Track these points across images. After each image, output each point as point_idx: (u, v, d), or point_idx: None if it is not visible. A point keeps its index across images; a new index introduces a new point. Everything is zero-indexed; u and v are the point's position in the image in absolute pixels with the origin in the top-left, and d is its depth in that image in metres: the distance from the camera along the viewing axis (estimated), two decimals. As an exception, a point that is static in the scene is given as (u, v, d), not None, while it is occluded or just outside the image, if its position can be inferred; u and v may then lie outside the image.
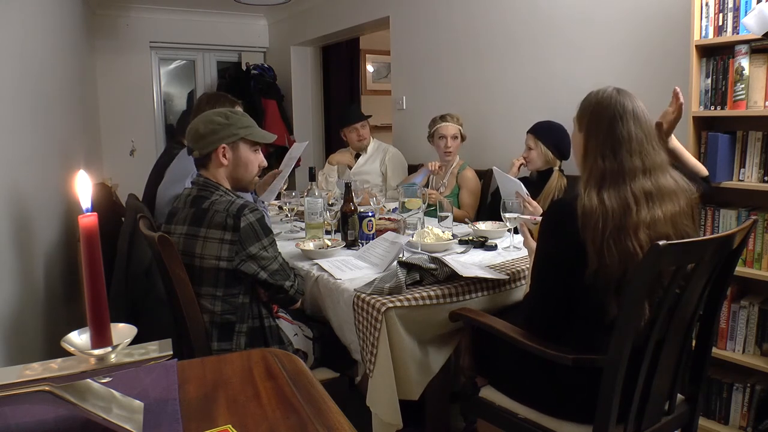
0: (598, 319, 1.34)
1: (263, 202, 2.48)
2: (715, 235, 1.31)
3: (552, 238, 1.42)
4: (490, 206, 2.91)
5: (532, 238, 1.74)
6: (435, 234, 2.19)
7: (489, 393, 1.62)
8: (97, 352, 0.71)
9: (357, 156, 3.64)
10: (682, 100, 1.68)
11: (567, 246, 1.35)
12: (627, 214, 1.30)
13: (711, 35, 2.02)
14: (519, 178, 2.54)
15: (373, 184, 3.51)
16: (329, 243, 2.17)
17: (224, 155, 1.76)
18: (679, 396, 1.52)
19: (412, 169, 3.69)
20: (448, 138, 3.05)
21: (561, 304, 1.41)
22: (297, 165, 4.02)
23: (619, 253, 1.28)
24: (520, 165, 2.78)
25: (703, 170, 1.73)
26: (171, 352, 0.76)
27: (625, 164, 1.33)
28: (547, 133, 2.67)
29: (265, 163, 1.90)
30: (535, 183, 2.67)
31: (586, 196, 1.33)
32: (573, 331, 1.41)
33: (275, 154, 4.81)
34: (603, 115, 1.37)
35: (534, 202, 2.23)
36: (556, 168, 2.66)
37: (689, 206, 1.38)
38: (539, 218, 1.80)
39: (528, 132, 2.72)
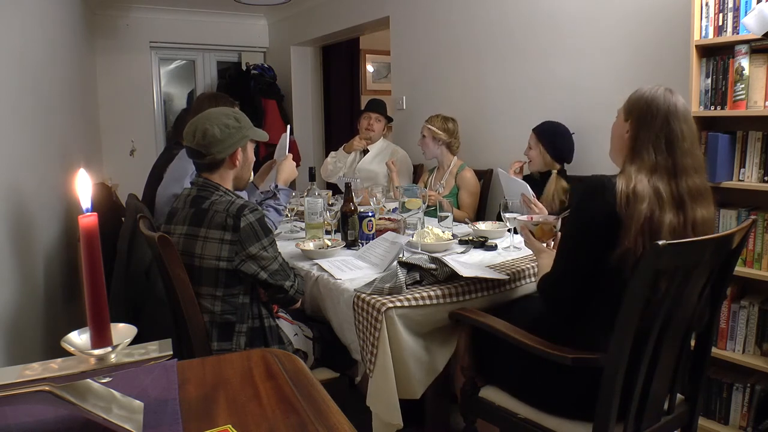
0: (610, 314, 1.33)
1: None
2: (714, 235, 1.31)
3: (585, 212, 1.40)
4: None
5: (534, 238, 1.74)
6: (435, 234, 2.19)
7: (489, 393, 1.62)
8: (97, 352, 0.71)
9: (365, 152, 3.66)
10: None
11: (601, 220, 1.34)
12: (683, 209, 1.33)
13: (711, 35, 2.02)
14: (523, 178, 2.52)
15: (377, 183, 3.51)
16: (329, 243, 2.17)
17: (238, 157, 1.78)
18: (679, 396, 1.52)
19: (417, 169, 3.70)
20: (422, 136, 3.23)
21: (584, 282, 1.40)
22: (298, 165, 4.02)
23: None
24: (521, 167, 2.78)
25: None
26: (171, 352, 0.76)
27: (678, 161, 1.34)
28: (548, 135, 2.66)
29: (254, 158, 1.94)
30: (538, 183, 2.65)
31: (636, 180, 1.33)
32: (579, 331, 1.41)
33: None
34: (658, 110, 1.37)
35: (540, 204, 2.22)
36: (555, 172, 2.65)
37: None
38: (538, 219, 1.80)
39: (533, 130, 2.71)
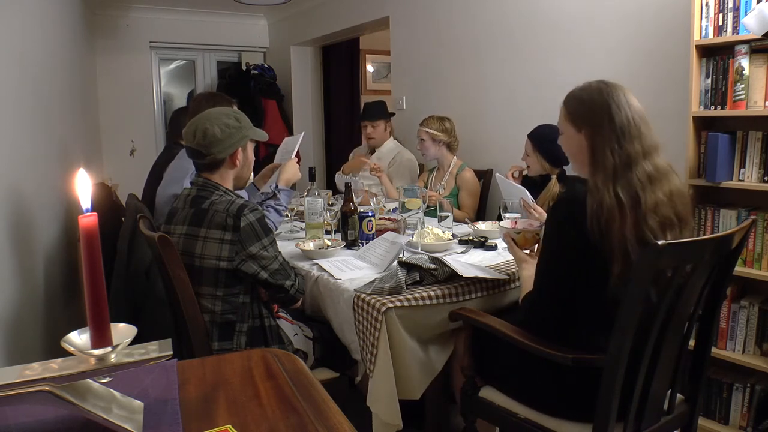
0: (602, 321, 1.34)
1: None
2: (713, 235, 1.31)
3: (560, 238, 1.40)
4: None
5: (517, 246, 1.73)
6: (435, 234, 2.19)
7: (489, 393, 1.62)
8: (97, 352, 0.71)
9: (372, 152, 3.66)
10: None
11: (577, 247, 1.34)
12: (638, 205, 1.30)
13: (711, 35, 2.02)
14: (523, 181, 2.51)
15: (378, 182, 3.51)
16: (329, 243, 2.17)
17: (239, 157, 1.78)
18: (679, 396, 1.52)
19: (420, 170, 3.68)
20: (420, 140, 3.21)
21: (564, 305, 1.40)
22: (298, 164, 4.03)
23: (640, 245, 1.26)
24: (521, 173, 2.77)
25: None
26: (171, 352, 0.76)
27: (629, 152, 1.33)
28: (544, 142, 2.62)
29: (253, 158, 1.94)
30: (539, 186, 2.65)
31: (606, 195, 1.30)
32: (573, 333, 1.41)
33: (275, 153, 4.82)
34: (599, 108, 1.37)
35: (540, 209, 2.21)
36: (554, 177, 2.63)
37: (683, 185, 1.38)
38: (520, 226, 1.79)
39: (527, 136, 2.70)
